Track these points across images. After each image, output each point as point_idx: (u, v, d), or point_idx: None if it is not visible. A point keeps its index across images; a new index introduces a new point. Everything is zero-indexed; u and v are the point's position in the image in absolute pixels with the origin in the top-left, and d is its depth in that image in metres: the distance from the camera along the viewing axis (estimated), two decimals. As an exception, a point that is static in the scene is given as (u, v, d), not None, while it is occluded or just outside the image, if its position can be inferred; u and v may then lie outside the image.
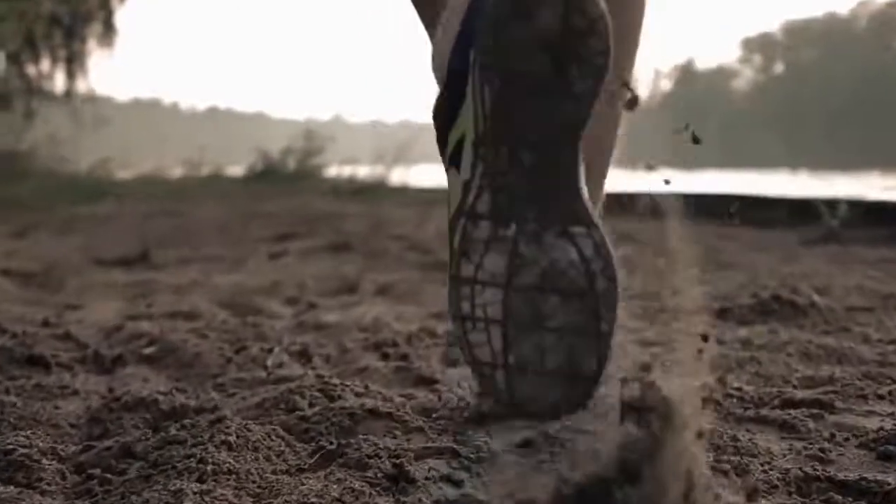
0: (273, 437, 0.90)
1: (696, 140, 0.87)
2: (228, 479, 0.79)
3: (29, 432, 0.93)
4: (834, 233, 3.10)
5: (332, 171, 7.77)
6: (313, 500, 0.77)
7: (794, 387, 1.15)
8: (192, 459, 0.82)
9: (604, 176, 1.11)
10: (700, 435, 0.63)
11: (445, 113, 1.00)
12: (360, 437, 0.91)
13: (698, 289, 0.72)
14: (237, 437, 0.87)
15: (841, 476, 0.83)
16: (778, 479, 0.82)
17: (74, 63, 9.28)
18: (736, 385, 1.13)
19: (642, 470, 0.62)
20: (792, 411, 1.02)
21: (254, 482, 0.80)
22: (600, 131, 1.02)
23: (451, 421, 1.00)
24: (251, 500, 0.77)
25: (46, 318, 1.64)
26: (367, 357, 1.33)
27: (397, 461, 0.84)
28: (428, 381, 1.19)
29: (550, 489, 0.70)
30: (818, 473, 0.83)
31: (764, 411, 1.03)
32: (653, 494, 0.62)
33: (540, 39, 0.90)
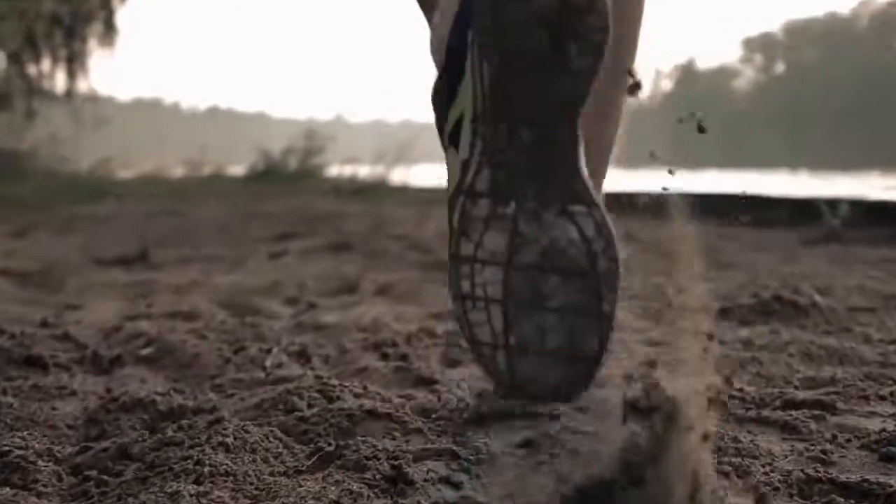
0: (271, 439, 0.89)
1: (701, 129, 0.86)
2: (226, 481, 0.79)
3: (25, 433, 0.93)
4: (835, 233, 3.09)
5: (334, 171, 7.76)
6: (311, 502, 0.76)
7: (796, 388, 1.15)
8: (189, 461, 0.81)
9: (606, 162, 1.10)
10: (706, 437, 0.62)
11: (444, 94, 1.00)
12: (359, 438, 0.91)
13: (701, 288, 0.72)
14: (235, 438, 0.86)
15: (843, 478, 0.82)
16: (779, 480, 0.81)
17: (75, 63, 9.27)
18: (737, 386, 1.12)
19: (646, 472, 0.61)
20: (793, 412, 1.02)
21: (251, 484, 0.79)
22: (602, 113, 1.01)
23: (450, 422, 0.99)
24: (248, 502, 0.77)
25: (45, 318, 1.63)
26: (366, 357, 1.32)
27: (396, 463, 0.83)
28: (427, 382, 1.18)
29: (551, 491, 0.69)
30: (820, 475, 0.83)
31: (765, 412, 1.03)
32: (657, 497, 0.61)
33: (538, 16, 0.89)
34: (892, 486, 0.80)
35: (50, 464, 0.86)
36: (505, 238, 0.93)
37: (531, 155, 0.92)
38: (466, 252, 0.95)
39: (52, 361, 1.27)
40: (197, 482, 0.78)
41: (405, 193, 5.89)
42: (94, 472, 0.83)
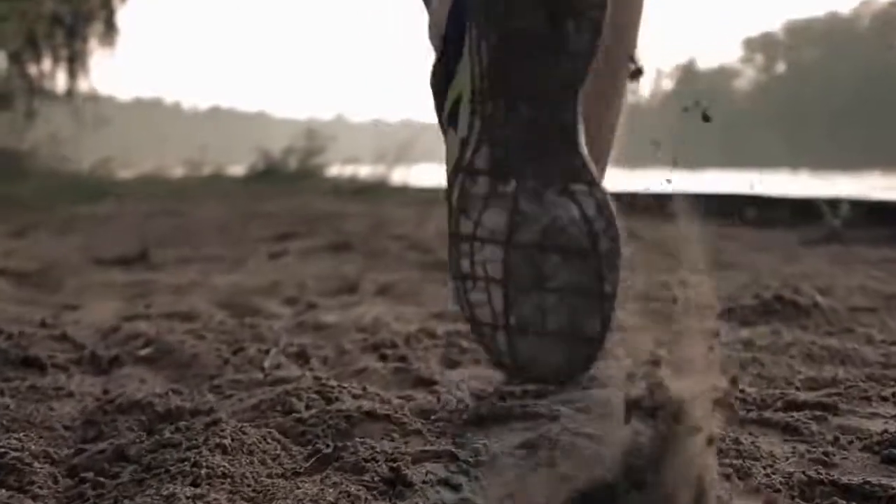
0: (269, 440, 0.88)
1: (706, 118, 0.86)
2: (223, 483, 0.78)
3: (22, 435, 0.92)
4: (836, 233, 3.08)
5: (334, 171, 7.75)
6: (308, 504, 0.75)
7: (797, 389, 1.14)
8: (186, 463, 0.80)
9: (609, 148, 1.10)
10: (710, 440, 0.61)
11: (442, 76, 0.99)
12: (357, 440, 0.90)
13: (705, 286, 0.71)
14: (232, 440, 0.86)
15: (845, 480, 0.81)
16: (781, 483, 0.81)
17: (76, 62, 9.26)
18: (738, 387, 1.11)
19: (649, 475, 0.60)
20: (795, 413, 1.01)
21: (248, 486, 0.79)
22: (605, 99, 1.01)
23: (449, 423, 0.99)
24: (245, 504, 0.76)
25: (43, 318, 1.63)
26: (365, 358, 1.32)
27: (394, 465, 0.83)
28: (427, 383, 1.17)
29: (551, 494, 0.68)
30: (822, 477, 0.82)
31: (767, 413, 1.02)
32: (660, 501, 0.59)
33: None
34: (894, 489, 0.79)
35: (46, 465, 0.85)
36: (505, 216, 0.93)
37: (531, 133, 0.91)
38: (466, 230, 0.94)
39: (49, 362, 1.26)
40: (194, 484, 0.77)
41: (405, 193, 5.89)
42: (90, 474, 0.83)
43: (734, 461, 0.85)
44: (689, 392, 0.61)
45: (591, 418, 0.95)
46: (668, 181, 0.83)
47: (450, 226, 0.96)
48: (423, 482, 0.81)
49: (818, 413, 1.01)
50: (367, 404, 1.00)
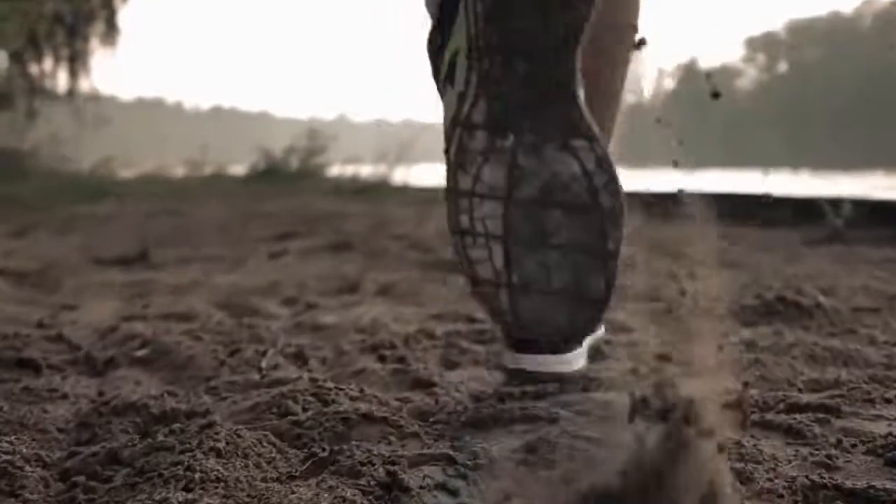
0: (264, 444, 0.87)
1: (715, 95, 0.85)
2: (216, 488, 0.77)
3: (14, 438, 0.91)
4: (838, 233, 3.07)
5: (335, 171, 7.75)
6: (303, 509, 0.74)
7: (800, 390, 1.13)
8: (179, 467, 0.79)
9: (614, 117, 1.09)
10: (722, 447, 0.58)
11: (438, 39, 0.99)
12: (354, 443, 0.89)
13: (710, 286, 0.70)
14: (227, 443, 0.84)
15: (848, 484, 0.80)
16: (784, 487, 0.80)
17: (77, 62, 9.26)
18: (750, 389, 1.10)
19: (657, 481, 0.57)
20: (797, 416, 1.00)
21: (242, 490, 0.77)
22: (609, 69, 1.00)
23: (447, 426, 0.98)
24: (239, 509, 0.75)
25: (40, 319, 1.62)
26: (363, 359, 1.31)
27: (391, 468, 0.82)
28: (425, 384, 1.16)
29: (551, 499, 0.67)
30: (825, 481, 0.81)
31: (769, 416, 1.01)
32: None
33: None
34: (898, 493, 0.78)
35: (38, 469, 0.84)
36: (503, 171, 0.92)
37: (528, 88, 0.91)
38: (464, 186, 0.93)
39: (44, 363, 1.25)
40: (186, 489, 0.76)
41: (406, 193, 5.88)
42: (82, 478, 0.82)
43: (736, 464, 0.84)
44: (700, 393, 0.58)
45: (592, 421, 0.94)
46: (681, 191, 0.82)
47: (447, 180, 0.95)
48: (421, 486, 0.80)
49: (821, 415, 1.00)
50: (364, 406, 0.98)
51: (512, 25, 0.90)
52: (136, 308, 1.80)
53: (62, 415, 1.04)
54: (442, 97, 1.00)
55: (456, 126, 0.94)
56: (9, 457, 0.84)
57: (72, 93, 9.22)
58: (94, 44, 9.36)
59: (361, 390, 1.07)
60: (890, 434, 0.93)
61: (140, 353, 1.35)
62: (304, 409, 1.00)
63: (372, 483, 0.80)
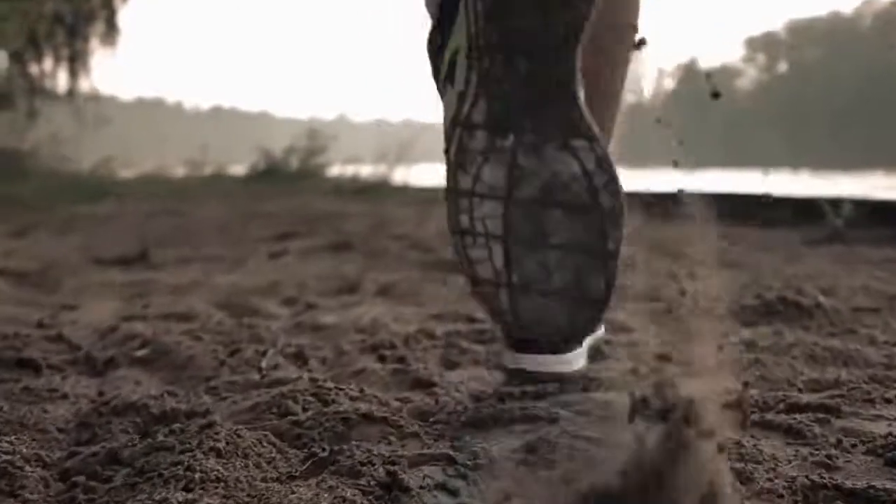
0: (264, 444, 0.87)
1: (715, 95, 0.85)
2: (216, 488, 0.77)
3: (14, 438, 0.91)
4: (838, 233, 3.07)
5: (335, 171, 7.74)
6: (303, 509, 0.74)
7: (800, 390, 1.13)
8: (179, 467, 0.79)
9: (614, 117, 1.09)
10: (722, 448, 0.58)
11: (438, 38, 0.99)
12: (354, 443, 0.89)
13: (710, 286, 0.69)
14: (227, 443, 0.84)
15: (849, 484, 0.80)
16: (784, 487, 0.79)
17: (77, 62, 9.25)
18: (750, 390, 1.10)
19: (656, 482, 0.57)
20: (797, 416, 1.00)
21: (242, 490, 0.77)
22: (609, 68, 1.00)
23: (447, 426, 0.98)
24: (239, 509, 0.75)
25: (40, 319, 1.62)
26: (363, 359, 1.31)
27: (391, 468, 0.82)
28: (425, 384, 1.16)
29: (551, 499, 0.67)
30: (825, 481, 0.81)
31: (769, 416, 1.01)
32: None
33: None
34: (899, 493, 0.78)
35: (38, 469, 0.84)
36: (503, 171, 0.92)
37: (529, 87, 0.91)
38: (464, 185, 0.94)
39: (44, 363, 1.25)
40: (186, 489, 0.76)
41: (406, 193, 5.87)
42: (82, 478, 0.81)
43: (736, 464, 0.84)
44: (701, 393, 0.57)
45: (592, 421, 0.94)
46: (681, 191, 0.82)
47: (447, 180, 0.95)
48: (421, 486, 0.79)
49: (821, 415, 1.00)
50: (364, 406, 0.98)
51: (512, 24, 0.90)
52: (136, 308, 1.80)
53: (62, 415, 1.04)
54: (442, 97, 1.00)
55: (456, 126, 0.94)
56: (9, 457, 0.84)
57: (72, 93, 9.22)
58: (95, 44, 9.36)
59: (361, 390, 1.07)
60: (890, 434, 0.93)
61: (140, 353, 1.35)
62: (304, 409, 1.00)
63: (372, 483, 0.80)
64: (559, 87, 0.90)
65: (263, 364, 1.25)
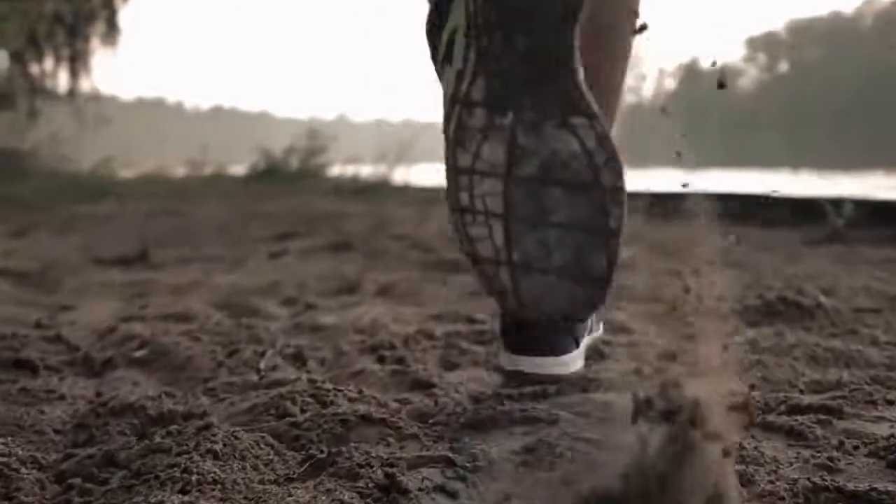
0: (261, 445, 0.87)
1: (721, 84, 0.84)
2: (213, 490, 0.76)
3: (10, 439, 0.91)
4: (839, 233, 3.06)
5: (335, 171, 7.74)
6: (300, 512, 0.74)
7: (801, 391, 1.12)
8: (176, 469, 0.79)
9: (615, 103, 1.09)
10: (728, 452, 0.57)
11: (436, 20, 0.98)
12: (352, 444, 0.88)
13: (713, 286, 0.69)
14: (224, 445, 0.84)
15: (850, 486, 0.80)
16: (785, 489, 0.79)
17: (78, 62, 9.25)
18: (756, 392, 1.09)
19: (660, 485, 0.56)
20: (799, 417, 0.99)
21: (239, 493, 0.77)
22: (611, 54, 1.00)
23: (447, 427, 0.97)
24: (236, 511, 0.74)
25: (39, 319, 1.61)
26: (362, 360, 1.30)
27: (390, 470, 0.81)
28: (424, 386, 1.16)
29: (552, 502, 0.66)
30: (827, 483, 0.80)
31: (770, 417, 1.00)
32: None
33: None
34: (901, 496, 0.77)
35: (33, 471, 0.84)
36: (503, 149, 0.92)
37: (528, 65, 0.90)
38: (464, 163, 0.93)
39: (42, 364, 1.25)
40: (183, 491, 0.75)
41: (407, 193, 5.87)
42: (78, 480, 0.81)
43: (737, 466, 0.83)
44: (706, 394, 0.56)
45: (592, 422, 0.94)
46: (685, 185, 0.81)
47: (446, 158, 0.95)
48: (419, 489, 0.79)
49: (822, 417, 1.00)
50: (363, 408, 0.98)
51: (511, 2, 0.90)
52: (135, 308, 1.79)
53: (59, 416, 1.03)
54: (440, 79, 1.00)
55: (455, 103, 0.93)
56: (4, 459, 0.83)
57: (72, 93, 9.22)
58: (95, 44, 9.36)
59: (360, 391, 1.06)
60: (892, 436, 0.92)
61: (138, 353, 1.34)
62: (303, 411, 0.99)
63: (370, 485, 0.79)
64: (558, 65, 0.90)
65: (262, 365, 1.24)
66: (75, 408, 1.07)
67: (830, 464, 0.86)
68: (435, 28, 0.99)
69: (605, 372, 1.13)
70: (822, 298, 1.63)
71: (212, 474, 0.78)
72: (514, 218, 0.92)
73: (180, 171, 8.17)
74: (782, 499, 0.78)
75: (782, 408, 1.03)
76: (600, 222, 0.90)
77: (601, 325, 1.24)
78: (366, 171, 7.30)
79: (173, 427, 0.91)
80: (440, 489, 0.79)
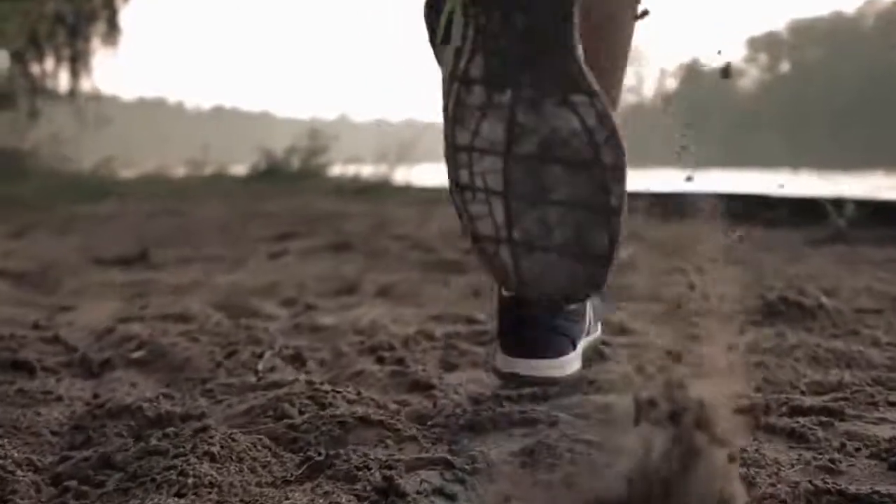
0: (259, 448, 0.86)
1: (726, 74, 0.84)
2: (210, 493, 0.76)
3: (6, 441, 0.90)
4: (841, 233, 3.05)
5: (336, 171, 7.73)
6: (297, 514, 0.73)
7: (803, 393, 1.12)
8: (172, 471, 0.78)
9: (617, 84, 1.08)
10: (733, 457, 0.55)
11: (434, 2, 0.98)
12: (350, 447, 0.88)
13: (717, 286, 0.68)
14: (221, 447, 0.83)
15: (852, 489, 0.79)
16: (786, 492, 0.78)
17: (78, 62, 9.25)
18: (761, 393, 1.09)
19: (664, 489, 0.54)
20: (800, 419, 0.99)
21: (236, 495, 0.76)
22: (612, 36, 0.99)
23: (445, 429, 0.96)
24: (233, 514, 0.74)
25: (37, 320, 1.61)
26: (361, 361, 1.29)
27: (388, 473, 0.80)
28: (423, 387, 1.15)
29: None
30: (828, 486, 0.79)
31: (772, 419, 0.99)
32: None
33: None
34: (903, 498, 0.76)
35: (29, 473, 0.83)
36: (502, 127, 0.91)
37: (527, 43, 0.90)
38: (462, 141, 0.93)
39: (39, 365, 1.24)
40: (179, 494, 0.75)
41: (407, 193, 5.86)
42: (73, 483, 0.80)
43: (738, 469, 0.83)
44: (712, 396, 0.55)
45: (592, 424, 0.93)
46: (689, 178, 0.81)
47: (445, 136, 0.94)
48: (418, 492, 0.78)
49: (824, 418, 0.99)
50: (361, 410, 0.97)
51: None
52: (134, 309, 1.79)
53: (56, 418, 1.03)
54: (439, 62, 1.00)
55: (453, 81, 0.93)
56: (0, 461, 0.83)
57: (73, 93, 9.21)
58: (96, 43, 9.35)
59: (359, 393, 1.06)
60: (894, 438, 0.92)
61: (136, 354, 1.34)
62: (301, 413, 0.99)
63: (368, 488, 0.79)
64: (557, 43, 0.90)
65: (260, 366, 1.24)
66: (72, 409, 1.07)
67: (832, 466, 0.86)
68: (433, 11, 0.99)
69: (606, 373, 1.13)
70: (824, 299, 1.62)
71: (208, 477, 0.77)
72: (514, 195, 0.92)
73: (181, 171, 8.17)
74: (784, 501, 0.77)
75: (784, 409, 1.02)
76: (601, 200, 0.90)
77: (599, 327, 1.23)
78: (367, 171, 7.30)
79: (170, 429, 0.90)
80: (439, 491, 0.79)
